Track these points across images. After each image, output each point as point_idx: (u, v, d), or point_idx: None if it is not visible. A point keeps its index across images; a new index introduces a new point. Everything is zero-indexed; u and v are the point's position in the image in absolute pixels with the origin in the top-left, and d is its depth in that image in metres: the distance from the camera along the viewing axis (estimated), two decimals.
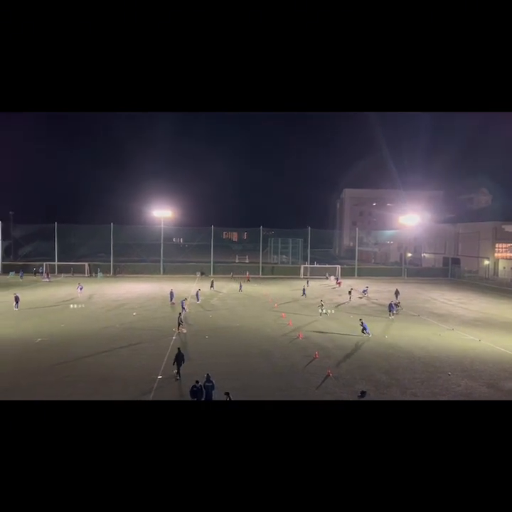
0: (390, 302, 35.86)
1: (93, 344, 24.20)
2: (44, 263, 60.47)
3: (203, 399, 15.45)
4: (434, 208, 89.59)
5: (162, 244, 66.44)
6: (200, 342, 25.33)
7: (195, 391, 15.48)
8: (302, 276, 63.91)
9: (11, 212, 73.66)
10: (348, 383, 18.84)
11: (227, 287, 51.08)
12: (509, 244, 65.93)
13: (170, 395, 17.42)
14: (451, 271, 68.36)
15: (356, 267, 68.63)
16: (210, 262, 65.79)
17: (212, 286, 48.96)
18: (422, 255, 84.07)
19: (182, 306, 33.53)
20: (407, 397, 17.39)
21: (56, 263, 62.34)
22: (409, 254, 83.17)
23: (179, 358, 19.31)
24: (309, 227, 69.91)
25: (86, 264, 63.28)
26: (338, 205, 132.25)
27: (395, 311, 34.02)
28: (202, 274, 63.26)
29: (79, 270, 61.78)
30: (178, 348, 20.14)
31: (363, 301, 42.50)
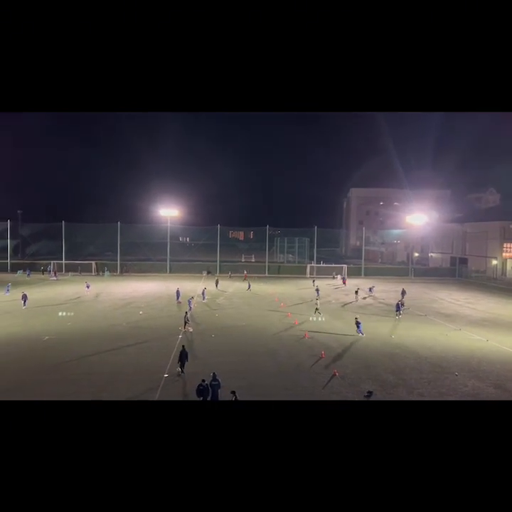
0: (397, 302, 35.70)
1: (100, 342, 24.34)
2: (52, 262, 60.85)
3: (209, 398, 15.49)
4: (441, 207, 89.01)
5: (169, 243, 66.61)
6: (206, 341, 25.38)
7: (201, 390, 15.51)
8: (308, 276, 63.83)
9: (19, 212, 74.26)
10: (354, 383, 18.79)
11: (233, 286, 51.13)
12: None
13: (176, 393, 17.48)
14: (459, 271, 67.92)
15: (363, 266, 68.39)
16: (216, 261, 65.91)
17: (216, 285, 48.98)
18: (429, 255, 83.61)
19: (189, 304, 33.63)
20: (414, 398, 17.31)
21: (63, 262, 62.73)
22: (416, 254, 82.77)
23: (183, 356, 19.49)
24: (316, 227, 69.77)
25: (93, 262, 63.65)
26: (344, 205, 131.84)
27: (401, 311, 33.87)
28: (208, 273, 63.36)
29: (86, 269, 62.12)
30: (183, 346, 20.24)
31: (370, 300, 42.33)
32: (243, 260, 77.98)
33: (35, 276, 56.67)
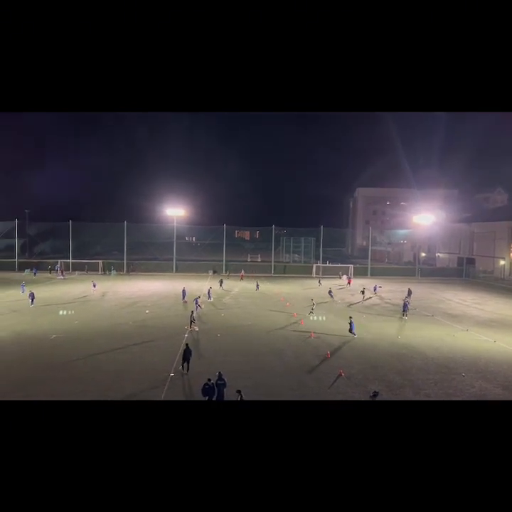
0: (403, 302, 35.54)
1: (106, 341, 24.45)
2: (59, 261, 61.24)
3: (214, 397, 15.51)
4: (448, 207, 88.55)
5: (175, 243, 66.81)
6: (212, 340, 25.41)
7: (207, 389, 15.54)
8: (314, 276, 63.73)
9: (26, 211, 74.82)
10: (360, 383, 18.73)
11: (239, 286, 51.17)
12: None
13: (182, 392, 17.53)
14: (466, 271, 67.52)
15: (369, 266, 68.15)
16: (222, 261, 66.02)
17: (221, 285, 49.02)
18: (436, 255, 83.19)
19: (196, 303, 33.70)
20: (421, 398, 17.22)
21: (70, 261, 63.11)
22: (423, 254, 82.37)
23: (187, 354, 19.61)
24: (322, 226, 69.69)
25: (100, 262, 64.00)
26: (351, 204, 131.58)
27: (407, 311, 33.70)
28: (214, 272, 63.45)
29: (93, 268, 62.45)
30: (186, 344, 20.31)
31: (376, 300, 42.18)
32: (249, 260, 78.04)
33: (42, 275, 57.04)
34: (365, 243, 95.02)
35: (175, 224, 68.20)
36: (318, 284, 53.55)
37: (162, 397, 16.72)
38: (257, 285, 48.66)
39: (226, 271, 63.34)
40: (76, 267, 62.52)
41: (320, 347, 24.20)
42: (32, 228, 71.87)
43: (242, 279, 56.87)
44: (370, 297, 43.13)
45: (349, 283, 53.48)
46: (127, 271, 64.02)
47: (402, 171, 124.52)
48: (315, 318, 32.17)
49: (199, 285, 49.39)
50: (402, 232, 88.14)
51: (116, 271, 62.81)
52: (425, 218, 73.05)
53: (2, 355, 21.47)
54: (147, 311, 33.85)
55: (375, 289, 45.82)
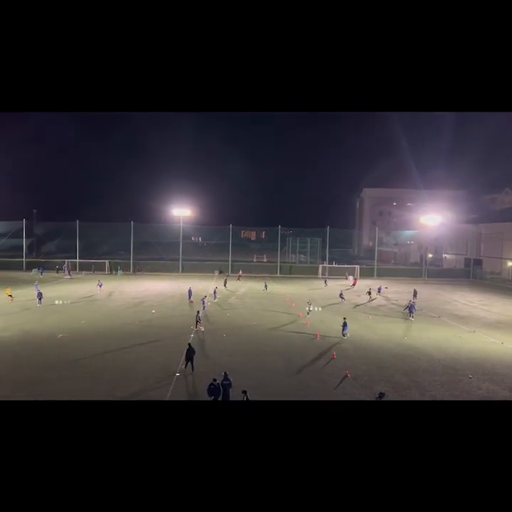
0: (410, 303, 35.38)
1: (113, 340, 24.56)
2: (66, 260, 61.58)
3: (220, 397, 15.54)
4: (455, 207, 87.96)
5: (181, 243, 66.96)
6: (217, 340, 25.45)
7: (212, 389, 15.57)
8: (320, 276, 63.58)
9: (34, 210, 75.38)
10: (366, 384, 18.68)
11: (245, 286, 51.19)
12: None
13: (187, 392, 17.57)
14: (473, 272, 67.07)
15: (375, 267, 67.92)
16: (228, 261, 66.08)
17: (225, 284, 48.87)
18: (443, 256, 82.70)
19: (202, 303, 33.79)
20: (427, 400, 17.13)
21: (77, 260, 63.42)
22: (430, 255, 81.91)
23: (190, 353, 19.73)
24: (328, 227, 69.52)
25: (106, 261, 64.27)
26: (357, 205, 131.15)
27: (414, 312, 33.56)
28: (220, 272, 63.52)
29: (99, 268, 62.70)
30: (189, 344, 20.39)
31: (382, 301, 42.01)
32: (255, 260, 78.02)
33: (50, 274, 57.39)
34: (371, 244, 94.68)
35: (181, 224, 68.36)
36: (324, 284, 53.41)
37: (168, 396, 16.77)
38: (266, 285, 48.54)
39: (227, 272, 63.13)
40: (83, 267, 62.83)
41: (326, 348, 24.15)
42: (39, 228, 72.34)
43: (239, 279, 56.36)
44: (375, 298, 42.85)
45: (354, 284, 53.22)
46: (134, 271, 64.27)
47: (408, 171, 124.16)
48: (309, 315, 32.11)
49: (205, 285, 49.45)
50: (408, 232, 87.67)
51: (123, 271, 63.06)
52: (432, 219, 72.65)
53: (9, 353, 21.63)
54: (153, 311, 33.95)
55: (379, 290, 45.44)
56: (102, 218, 75.92)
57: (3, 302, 35.26)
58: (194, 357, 19.73)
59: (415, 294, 42.65)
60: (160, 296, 42.33)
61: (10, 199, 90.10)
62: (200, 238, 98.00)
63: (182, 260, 66.33)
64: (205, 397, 15.67)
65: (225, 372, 16.20)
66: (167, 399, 16.48)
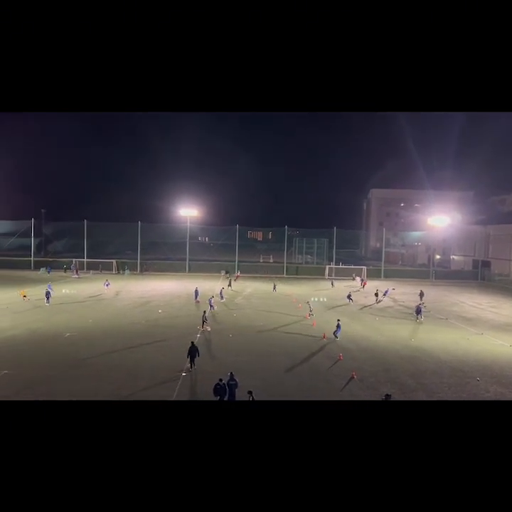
0: (417, 305, 35.20)
1: (119, 340, 24.67)
2: (74, 260, 61.99)
3: (226, 397, 15.55)
4: (463, 209, 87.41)
5: (188, 243, 67.16)
6: (224, 340, 25.48)
7: (218, 389, 15.58)
8: (327, 277, 63.44)
9: (42, 210, 75.97)
10: (372, 386, 18.60)
11: (251, 286, 51.21)
12: None
13: (193, 392, 17.62)
14: (481, 274, 66.55)
15: (383, 268, 67.65)
16: (234, 261, 66.15)
17: (230, 285, 48.84)
18: (451, 257, 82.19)
19: (210, 303, 33.88)
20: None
21: (85, 260, 63.83)
22: (438, 256, 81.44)
23: (193, 351, 19.78)
24: (335, 228, 69.37)
25: (114, 261, 64.63)
26: (364, 206, 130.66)
27: (422, 314, 33.38)
28: (226, 272, 63.61)
29: (107, 267, 63.05)
30: (192, 342, 20.44)
31: (390, 303, 41.80)
32: (261, 260, 78.06)
33: (57, 273, 57.79)
34: (378, 245, 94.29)
35: (188, 224, 68.58)
36: (331, 285, 53.28)
37: (174, 396, 16.82)
38: (274, 286, 48.49)
39: (233, 272, 63.05)
40: (90, 266, 63.22)
41: (332, 349, 24.09)
42: (48, 227, 72.91)
43: (236, 279, 55.56)
44: (381, 300, 42.32)
45: (363, 285, 52.67)
46: (141, 270, 64.58)
47: (416, 172, 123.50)
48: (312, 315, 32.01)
49: (211, 285, 49.52)
50: (416, 234, 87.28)
51: (130, 270, 63.37)
52: (440, 220, 72.22)
53: (17, 352, 21.80)
54: (160, 311, 34.07)
55: (385, 293, 44.65)
56: (109, 218, 76.47)
57: (11, 301, 35.57)
58: (197, 356, 19.83)
59: (422, 295, 42.41)
60: (167, 295, 42.47)
61: (19, 199, 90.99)
62: (206, 238, 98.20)
63: (189, 260, 66.52)
64: (211, 397, 15.69)
65: (231, 373, 16.22)
66: (173, 398, 16.53)
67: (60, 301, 36.21)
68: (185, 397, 16.93)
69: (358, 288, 51.79)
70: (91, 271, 62.22)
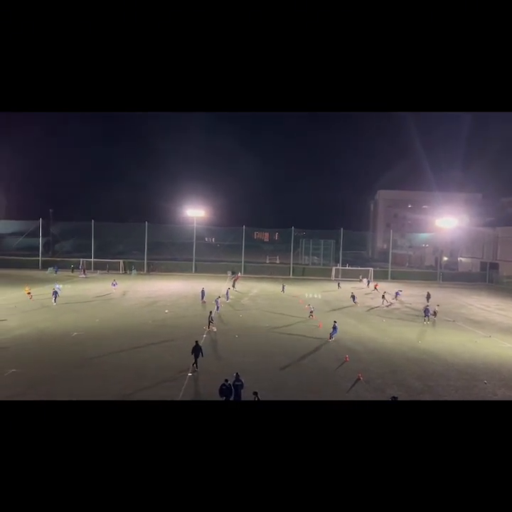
0: (426, 307, 34.99)
1: (126, 340, 24.76)
2: (81, 260, 62.36)
3: (231, 398, 15.55)
4: (471, 210, 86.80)
5: (194, 244, 67.33)
6: (230, 341, 25.49)
7: (224, 390, 15.59)
8: (333, 278, 63.23)
9: (50, 210, 76.50)
10: (379, 388, 18.52)
11: (258, 287, 51.19)
12: None
13: (199, 392, 17.63)
14: (489, 276, 66.06)
15: (390, 269, 67.33)
16: (241, 262, 66.19)
17: (233, 285, 48.72)
18: (459, 259, 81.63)
19: (216, 303, 33.93)
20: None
21: (92, 260, 64.18)
22: (445, 258, 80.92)
23: (197, 351, 19.84)
24: (342, 229, 69.12)
25: (121, 261, 64.92)
26: (371, 207, 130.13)
27: (429, 316, 33.20)
28: (233, 273, 63.65)
29: (114, 267, 63.36)
30: (196, 341, 20.48)
31: (397, 304, 41.60)
32: (268, 261, 78.02)
33: (64, 273, 58.14)
34: (385, 246, 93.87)
35: (195, 225, 68.74)
36: (337, 287, 53.09)
37: (180, 396, 16.85)
38: (283, 287, 48.31)
39: (239, 272, 62.99)
40: (98, 266, 63.56)
41: (338, 350, 24.02)
42: (55, 227, 73.39)
43: (237, 280, 54.05)
44: (391, 303, 41.89)
45: (376, 287, 50.88)
46: (147, 270, 64.83)
47: (424, 173, 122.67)
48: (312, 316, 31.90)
49: (218, 286, 49.57)
50: (423, 235, 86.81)
51: (137, 270, 63.60)
52: (448, 222, 71.77)
53: (24, 351, 21.95)
54: (166, 311, 34.16)
55: (396, 295, 44.26)
56: (116, 218, 76.82)
57: (19, 300, 35.83)
58: (200, 355, 19.91)
59: (428, 296, 42.15)
60: (173, 296, 42.58)
61: (27, 199, 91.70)
62: (213, 239, 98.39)
63: (195, 261, 66.65)
64: (216, 397, 15.70)
65: (237, 373, 16.21)
66: (179, 399, 16.57)
67: (67, 301, 36.43)
68: (191, 397, 16.96)
69: (370, 291, 50.56)
70: (98, 271, 62.54)
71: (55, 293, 35.67)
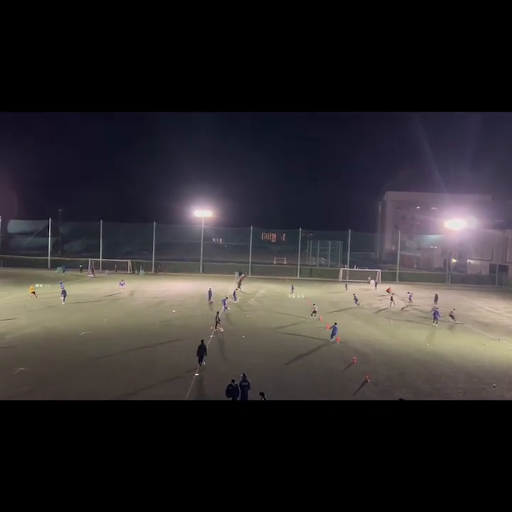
0: (435, 309, 34.71)
1: (134, 339, 24.87)
2: (89, 259, 62.78)
3: (238, 398, 15.55)
4: (481, 212, 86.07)
5: (202, 244, 67.49)
6: (237, 341, 25.51)
7: (231, 390, 15.60)
8: (341, 280, 63.04)
9: (59, 210, 77.14)
10: (386, 390, 18.42)
11: (265, 288, 51.17)
12: None
13: (206, 392, 17.66)
14: (499, 278, 65.46)
15: (398, 271, 66.97)
16: (248, 263, 66.22)
17: (239, 286, 48.64)
18: (468, 261, 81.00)
19: (224, 304, 33.99)
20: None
21: (100, 260, 64.58)
22: (454, 260, 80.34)
23: (201, 350, 20.02)
24: (350, 230, 68.87)
25: (129, 261, 65.27)
26: (379, 208, 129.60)
27: (438, 318, 32.96)
28: (240, 274, 63.70)
29: (122, 267, 63.69)
30: (202, 340, 20.55)
31: (402, 305, 41.33)
32: (275, 262, 77.98)
33: (72, 273, 58.57)
34: (393, 248, 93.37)
35: (202, 225, 68.93)
36: (344, 288, 52.88)
37: (187, 396, 16.89)
38: (292, 288, 48.17)
39: (246, 273, 62.95)
40: (106, 266, 63.94)
41: (346, 352, 23.93)
42: (64, 227, 73.99)
43: (242, 280, 53.43)
44: (406, 306, 41.13)
45: (388, 290, 50.27)
46: (155, 271, 65.09)
47: (432, 174, 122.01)
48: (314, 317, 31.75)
49: (225, 286, 49.62)
50: (432, 237, 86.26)
51: (145, 270, 63.89)
52: (456, 224, 71.26)
53: (32, 350, 22.13)
54: (174, 311, 34.27)
55: (410, 297, 43.72)
56: (125, 219, 77.22)
57: (28, 299, 36.14)
58: (204, 354, 20.08)
59: (436, 298, 41.84)
60: (180, 296, 42.70)
61: (37, 198, 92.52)
62: (220, 239, 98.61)
63: (203, 261, 66.81)
64: (223, 397, 15.72)
65: (244, 374, 16.22)
66: (186, 399, 16.60)
67: (75, 300, 36.68)
68: (197, 397, 16.99)
69: (380, 293, 49.81)
70: (106, 270, 62.91)
71: (64, 292, 35.94)
